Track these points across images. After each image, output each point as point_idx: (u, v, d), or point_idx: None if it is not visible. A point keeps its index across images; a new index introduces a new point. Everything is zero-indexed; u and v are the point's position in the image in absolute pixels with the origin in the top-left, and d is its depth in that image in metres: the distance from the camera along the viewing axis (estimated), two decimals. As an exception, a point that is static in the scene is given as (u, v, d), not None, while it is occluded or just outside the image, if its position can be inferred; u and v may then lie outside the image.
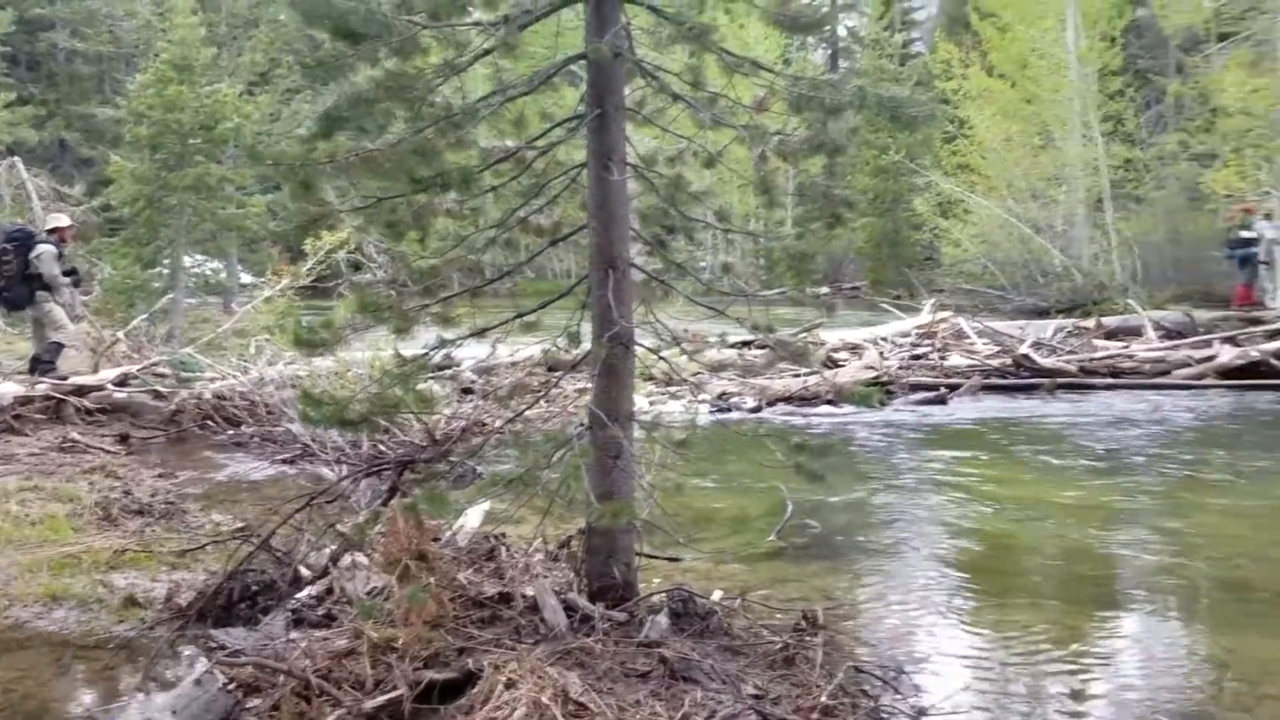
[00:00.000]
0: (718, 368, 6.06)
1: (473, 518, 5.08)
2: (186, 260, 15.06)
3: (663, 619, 3.98)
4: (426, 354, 4.09)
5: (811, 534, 6.16)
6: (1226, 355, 11.99)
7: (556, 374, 5.07)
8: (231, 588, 4.52)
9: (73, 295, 11.08)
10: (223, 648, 4.04)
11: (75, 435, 8.52)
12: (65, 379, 9.72)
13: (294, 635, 4.01)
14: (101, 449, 8.26)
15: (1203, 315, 14.64)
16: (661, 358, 4.59)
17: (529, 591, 4.07)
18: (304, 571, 4.63)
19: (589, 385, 4.26)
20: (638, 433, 4.41)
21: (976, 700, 3.83)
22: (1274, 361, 11.55)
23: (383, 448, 7.15)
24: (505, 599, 4.04)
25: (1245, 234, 16.14)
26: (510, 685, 3.19)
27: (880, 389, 10.32)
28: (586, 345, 4.24)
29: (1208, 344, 12.68)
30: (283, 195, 3.88)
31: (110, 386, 9.68)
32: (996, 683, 4.03)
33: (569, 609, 3.97)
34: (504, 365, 7.92)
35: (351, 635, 3.68)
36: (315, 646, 3.67)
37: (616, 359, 4.08)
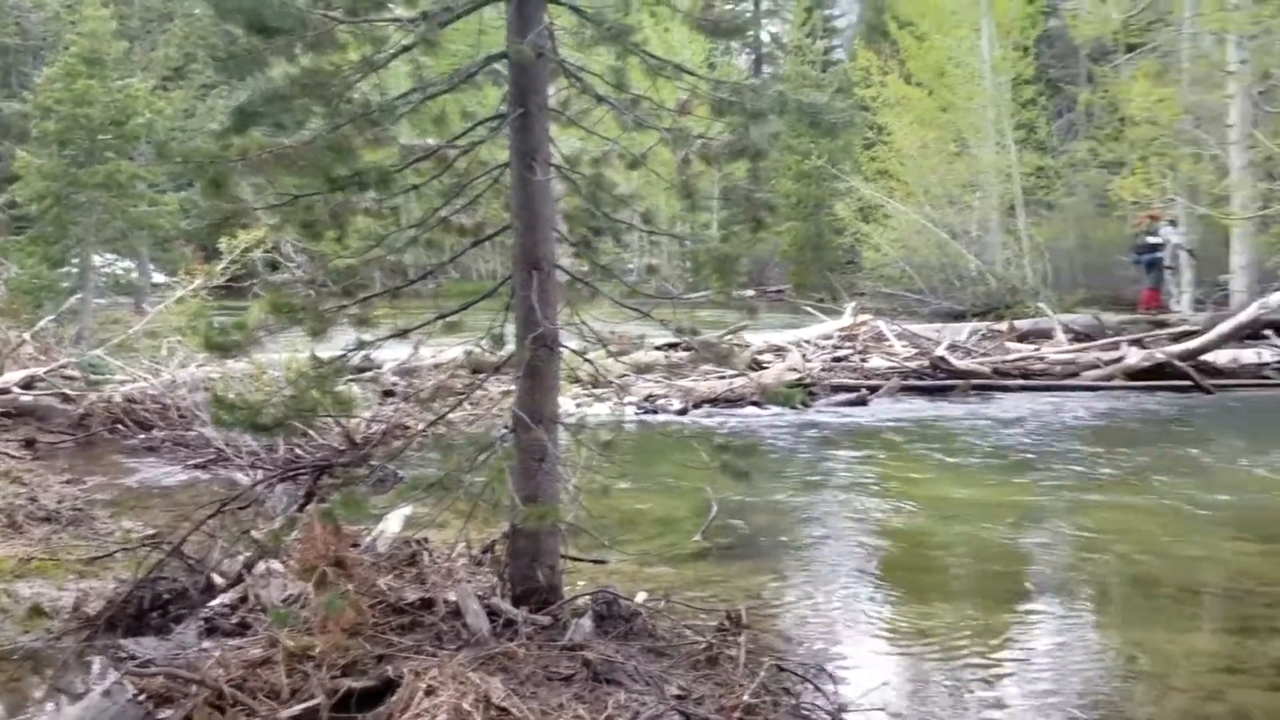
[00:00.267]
0: (643, 370, 6.07)
1: (393, 523, 5.00)
2: (96, 259, 14.57)
3: (587, 622, 3.96)
4: (344, 356, 4.02)
5: (736, 534, 6.20)
6: (1133, 357, 12.40)
7: (480, 376, 5.02)
8: (142, 596, 4.40)
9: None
10: (133, 658, 3.92)
11: (-23, 440, 8.19)
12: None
13: (207, 644, 3.92)
14: (6, 454, 7.94)
15: (1111, 318, 15.13)
16: (587, 360, 4.57)
17: (451, 597, 4.02)
18: (217, 579, 4.53)
19: (513, 387, 4.22)
20: (563, 435, 4.39)
21: (895, 696, 3.90)
22: (1178, 363, 11.98)
23: (300, 452, 7.00)
24: (427, 605, 3.99)
25: (1152, 240, 16.74)
26: (430, 692, 3.14)
27: (803, 390, 10.45)
28: (511, 347, 4.20)
29: (1115, 346, 13.10)
30: (196, 193, 3.78)
31: (16, 389, 9.34)
32: (915, 678, 4.10)
33: (492, 613, 3.93)
34: (427, 367, 7.81)
35: (267, 644, 3.59)
36: (229, 655, 3.58)
37: (541, 361, 4.06)
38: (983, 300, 20.39)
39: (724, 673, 3.75)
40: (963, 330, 14.75)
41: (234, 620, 4.16)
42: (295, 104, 3.62)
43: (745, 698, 3.48)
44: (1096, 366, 12.51)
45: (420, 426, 5.43)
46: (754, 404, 10.75)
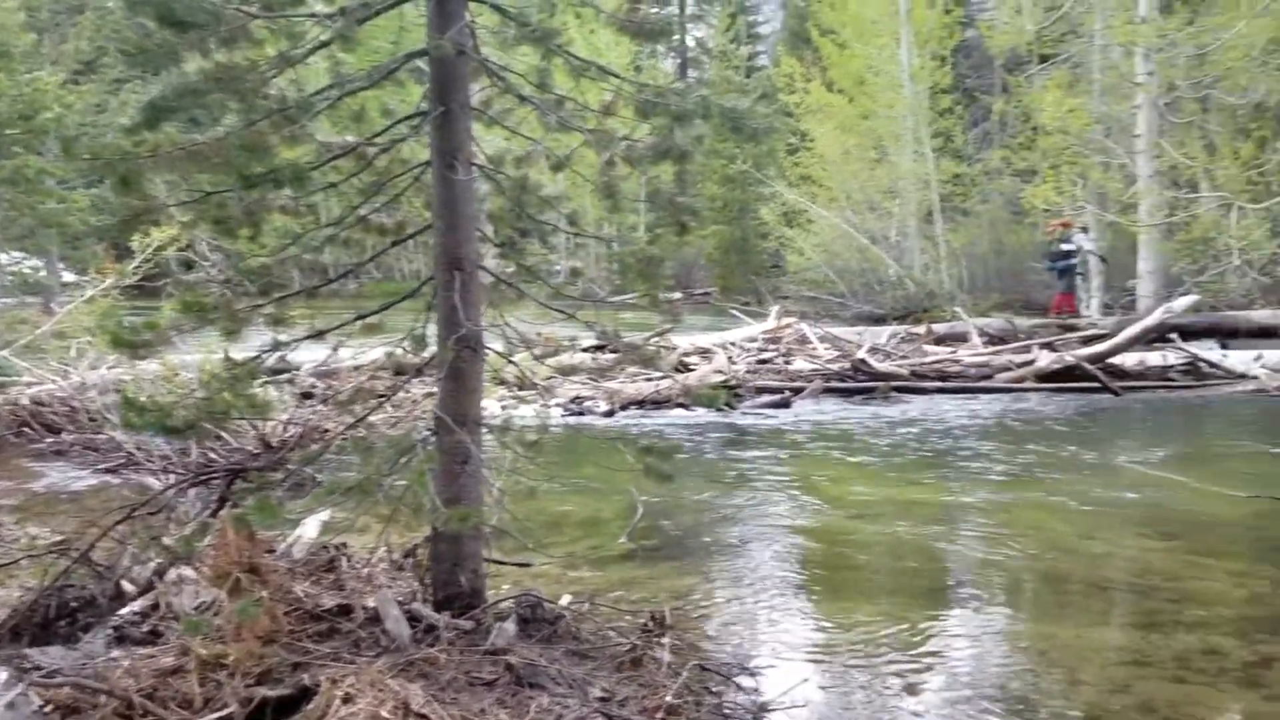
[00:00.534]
0: (569, 371, 6.06)
1: (310, 528, 4.91)
2: (2, 258, 14.08)
3: (510, 625, 3.94)
4: (258, 357, 3.92)
5: (662, 535, 6.22)
6: (1044, 360, 12.78)
7: (402, 378, 4.96)
8: (48, 604, 4.25)
9: None
10: (38, 668, 3.77)
11: None
12: None
13: (116, 653, 3.80)
14: (-98, 459, 7.62)
15: (1023, 322, 15.56)
16: (511, 361, 4.54)
17: (370, 603, 3.96)
18: (127, 586, 4.39)
19: (436, 389, 4.17)
20: (488, 437, 4.35)
21: (816, 694, 3.95)
22: (1087, 366, 12.36)
23: (213, 456, 6.84)
24: (345, 611, 3.92)
25: (1066, 247, 17.26)
26: (348, 700, 3.09)
27: (728, 392, 10.54)
28: (433, 348, 4.15)
29: (1027, 349, 13.48)
30: (108, 189, 3.66)
31: (-89, 393, 8.95)
32: (836, 676, 4.16)
33: (413, 619, 3.88)
34: (346, 369, 7.69)
35: (178, 652, 3.50)
36: (139, 665, 3.49)
37: (464, 362, 4.02)
38: (902, 304, 20.83)
39: (648, 674, 3.76)
40: (883, 333, 15.03)
41: (145, 628, 4.04)
42: (209, 99, 3.52)
43: (668, 698, 3.49)
44: (1009, 369, 12.85)
45: (339, 429, 5.35)
46: (681, 406, 10.81)
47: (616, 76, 4.11)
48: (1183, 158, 16.92)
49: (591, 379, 11.19)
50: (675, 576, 5.44)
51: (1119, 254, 18.89)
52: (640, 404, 11.13)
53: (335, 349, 4.63)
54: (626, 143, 4.16)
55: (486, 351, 4.23)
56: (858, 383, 12.47)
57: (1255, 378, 12.16)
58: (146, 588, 4.33)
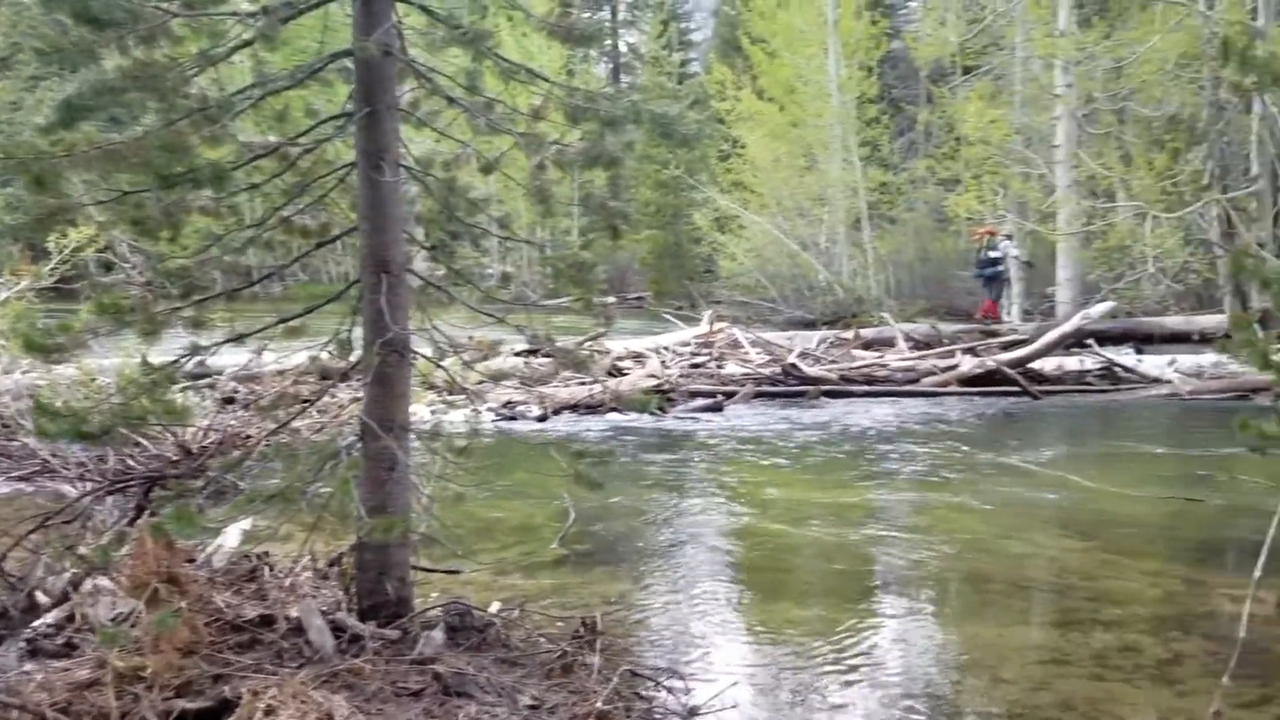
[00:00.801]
0: (500, 376, 6.02)
1: (232, 537, 4.80)
2: (-93, 258, 13.47)
3: (437, 634, 3.89)
4: (177, 361, 3.83)
5: (594, 541, 6.21)
6: (967, 365, 13.07)
7: (327, 383, 4.87)
8: (-45, 618, 4.09)
9: None
10: (-56, 685, 3.64)
11: None
12: None
13: (29, 666, 3.70)
14: None
15: (947, 328, 15.87)
16: (440, 366, 4.50)
17: (294, 613, 3.88)
18: (41, 597, 4.26)
19: (362, 394, 4.11)
20: (416, 443, 4.30)
21: (746, 696, 3.98)
22: (1008, 370, 12.67)
23: (131, 463, 6.64)
24: (267, 621, 3.84)
25: (993, 254, 17.67)
26: (270, 712, 3.03)
27: (661, 396, 10.57)
28: (360, 352, 4.09)
29: (951, 354, 13.77)
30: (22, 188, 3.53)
31: None
32: (766, 679, 4.19)
33: (337, 629, 3.81)
34: (270, 374, 7.53)
35: (94, 665, 3.40)
36: (53, 678, 3.40)
37: (390, 366, 3.97)
38: (831, 309, 21.11)
39: (578, 680, 3.75)
40: (813, 338, 15.22)
41: (59, 641, 3.92)
42: (128, 98, 3.43)
43: (599, 704, 3.48)
44: (934, 373, 13.11)
45: (261, 435, 5.24)
46: (615, 410, 10.80)
47: (546, 80, 4.10)
48: (1100, 168, 17.43)
49: (524, 383, 11.13)
50: (607, 582, 5.44)
51: (1039, 261, 19.40)
52: (573, 408, 11.11)
53: (258, 353, 4.54)
54: (557, 147, 4.15)
55: (415, 356, 4.18)
56: (788, 387, 12.60)
57: (1169, 382, 12.55)
58: (61, 599, 4.20)
